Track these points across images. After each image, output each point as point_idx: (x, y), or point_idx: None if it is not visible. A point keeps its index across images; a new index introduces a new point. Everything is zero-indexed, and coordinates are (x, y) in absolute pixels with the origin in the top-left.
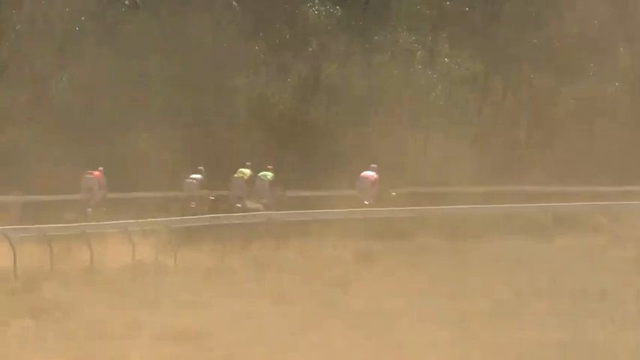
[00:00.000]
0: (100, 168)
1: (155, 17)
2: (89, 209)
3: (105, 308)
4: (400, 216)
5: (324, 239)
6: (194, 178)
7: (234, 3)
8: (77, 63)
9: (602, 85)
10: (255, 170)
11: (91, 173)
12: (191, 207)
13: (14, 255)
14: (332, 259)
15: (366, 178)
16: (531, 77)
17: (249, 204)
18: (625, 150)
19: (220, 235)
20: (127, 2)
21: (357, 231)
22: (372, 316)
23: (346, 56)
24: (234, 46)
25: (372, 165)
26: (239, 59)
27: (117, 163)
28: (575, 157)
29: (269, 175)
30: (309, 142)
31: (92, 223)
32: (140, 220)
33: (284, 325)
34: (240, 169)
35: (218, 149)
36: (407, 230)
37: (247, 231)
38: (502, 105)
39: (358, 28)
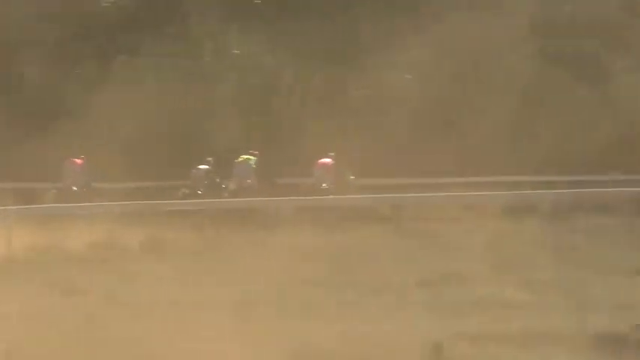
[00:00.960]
0: (82, 156)
1: None
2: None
3: None
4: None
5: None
6: (200, 169)
7: None
8: None
9: (393, 76)
10: None
11: (73, 160)
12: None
13: None
14: None
15: (322, 164)
16: (322, 70)
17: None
18: (418, 141)
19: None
20: None
21: None
22: None
23: (136, 48)
24: (25, 38)
25: (330, 153)
26: (30, 52)
27: None
28: (367, 149)
29: (252, 159)
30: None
31: None
32: None
33: None
34: (244, 156)
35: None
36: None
37: None
38: (292, 97)
39: (149, 20)
